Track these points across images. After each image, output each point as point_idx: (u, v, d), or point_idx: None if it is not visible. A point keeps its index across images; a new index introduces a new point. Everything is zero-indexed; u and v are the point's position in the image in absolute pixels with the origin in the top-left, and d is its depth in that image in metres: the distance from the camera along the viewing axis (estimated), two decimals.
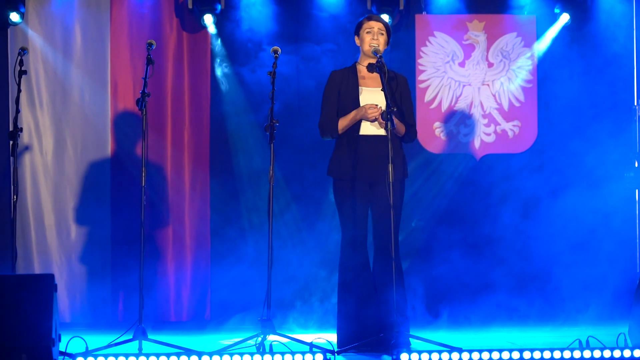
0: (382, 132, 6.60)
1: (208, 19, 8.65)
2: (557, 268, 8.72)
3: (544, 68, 8.95)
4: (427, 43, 8.92)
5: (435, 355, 5.73)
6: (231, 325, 8.43)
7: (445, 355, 5.74)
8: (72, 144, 8.66)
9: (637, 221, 8.80)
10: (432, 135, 8.85)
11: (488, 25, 8.93)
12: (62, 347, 5.86)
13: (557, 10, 8.86)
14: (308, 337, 6.64)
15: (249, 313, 8.46)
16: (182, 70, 8.75)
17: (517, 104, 8.94)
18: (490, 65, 8.94)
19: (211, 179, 8.75)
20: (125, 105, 8.67)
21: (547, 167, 8.84)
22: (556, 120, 8.91)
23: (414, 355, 5.74)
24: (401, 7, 8.71)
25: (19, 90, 7.02)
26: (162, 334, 6.82)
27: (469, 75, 8.93)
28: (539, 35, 8.94)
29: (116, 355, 5.76)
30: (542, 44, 8.94)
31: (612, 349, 5.83)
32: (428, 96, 8.89)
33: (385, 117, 6.37)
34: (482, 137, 8.91)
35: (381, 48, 6.71)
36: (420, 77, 8.89)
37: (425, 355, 5.74)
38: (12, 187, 7.08)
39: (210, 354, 5.76)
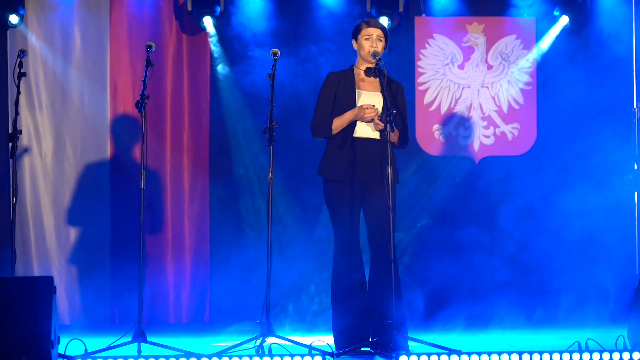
0: (376, 135, 6.59)
1: (207, 21, 8.65)
2: (556, 270, 8.73)
3: (544, 70, 8.95)
4: (427, 45, 8.93)
5: (433, 358, 5.73)
6: (230, 328, 8.43)
7: (443, 358, 5.74)
8: (72, 146, 8.66)
9: (637, 223, 8.80)
10: (432, 137, 8.86)
11: (487, 28, 8.93)
12: (61, 349, 5.86)
13: (556, 13, 8.87)
14: (307, 339, 6.64)
15: (248, 315, 8.45)
16: (182, 73, 8.75)
17: (516, 107, 8.95)
18: (489, 67, 8.94)
19: (210, 181, 8.75)
20: (124, 107, 8.67)
21: (546, 170, 8.85)
22: (555, 122, 8.92)
23: (413, 358, 5.74)
24: (400, 9, 8.71)
25: (19, 93, 7.02)
26: (162, 337, 6.82)
27: (469, 78, 8.94)
28: (538, 37, 8.94)
29: (115, 358, 5.76)
30: (542, 46, 8.94)
31: (611, 352, 5.83)
32: (427, 98, 8.89)
33: (385, 119, 6.37)
34: (482, 140, 8.91)
35: (380, 53, 6.70)
36: (420, 80, 8.89)
37: (423, 358, 5.74)
38: (11, 189, 7.09)
39: (210, 356, 5.76)
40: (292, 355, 5.77)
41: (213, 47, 8.75)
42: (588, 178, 8.59)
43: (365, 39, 6.74)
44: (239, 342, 6.39)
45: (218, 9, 8.62)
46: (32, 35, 8.62)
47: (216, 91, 8.78)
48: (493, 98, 8.93)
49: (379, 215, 6.59)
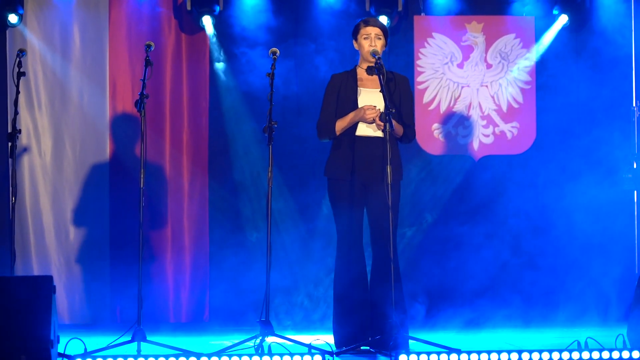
0: (378, 133, 6.60)
1: (206, 21, 8.65)
2: (555, 269, 8.73)
3: (543, 69, 8.95)
4: (426, 44, 8.93)
5: (433, 357, 5.73)
6: (230, 327, 8.43)
7: (443, 357, 5.74)
8: (71, 146, 8.66)
9: (636, 222, 8.80)
10: (431, 136, 8.86)
11: (487, 27, 8.93)
12: (60, 348, 5.86)
13: (555, 12, 8.86)
14: (307, 338, 6.64)
15: (248, 314, 8.46)
16: (181, 72, 8.75)
17: (515, 106, 8.95)
18: (488, 66, 8.94)
19: (210, 180, 8.75)
20: (123, 106, 8.67)
21: (546, 169, 8.84)
22: (555, 121, 8.91)
23: (413, 357, 5.74)
24: (400, 9, 8.71)
25: (18, 92, 7.02)
26: (161, 336, 6.82)
27: (468, 77, 8.94)
28: (537, 36, 8.94)
29: (115, 357, 5.76)
30: (541, 45, 8.94)
31: (610, 350, 5.83)
32: (426, 97, 8.89)
33: (384, 118, 6.38)
34: (481, 139, 8.91)
35: (379, 51, 6.71)
36: (419, 79, 8.89)
37: (423, 357, 5.74)
38: (10, 188, 7.08)
39: (209, 356, 5.76)
40: (291, 354, 5.77)
41: (212, 47, 8.75)
42: (587, 177, 8.58)
43: (364, 38, 6.76)
44: (238, 341, 6.39)
45: (217, 8, 8.61)
46: (31, 34, 8.61)
47: (215, 90, 8.78)
48: (492, 97, 8.93)
49: (380, 213, 6.59)
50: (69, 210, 8.62)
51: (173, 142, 8.71)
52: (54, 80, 8.66)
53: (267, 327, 6.31)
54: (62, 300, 8.49)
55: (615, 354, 5.80)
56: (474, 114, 8.92)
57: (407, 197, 8.65)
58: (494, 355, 5.77)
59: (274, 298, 8.40)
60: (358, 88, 6.76)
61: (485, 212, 8.77)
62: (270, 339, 6.30)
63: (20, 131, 7.15)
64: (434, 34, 8.92)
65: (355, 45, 6.85)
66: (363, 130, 6.69)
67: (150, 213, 8.51)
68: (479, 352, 5.78)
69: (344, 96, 6.76)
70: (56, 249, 8.60)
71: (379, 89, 6.48)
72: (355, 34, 6.84)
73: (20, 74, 7.03)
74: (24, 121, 8.57)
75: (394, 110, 6.43)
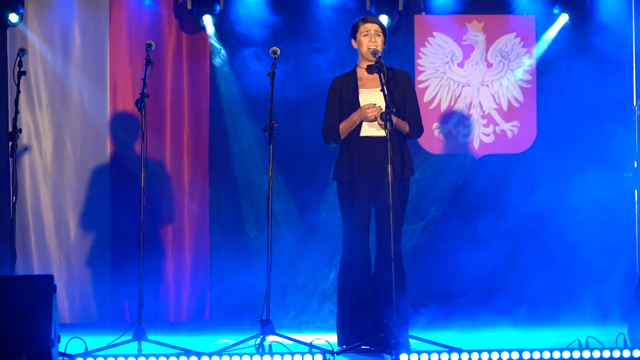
0: (382, 133, 6.58)
1: (207, 20, 8.64)
2: (556, 268, 8.73)
3: (543, 68, 8.95)
4: (426, 43, 8.93)
5: (434, 356, 5.74)
6: (231, 326, 8.43)
7: (444, 356, 5.75)
8: (72, 145, 8.66)
9: (637, 221, 8.80)
10: (431, 135, 8.85)
11: (487, 26, 8.93)
12: (61, 347, 5.86)
13: (556, 11, 8.86)
14: (307, 337, 6.64)
15: (249, 314, 8.46)
16: (181, 71, 8.75)
17: (516, 105, 8.95)
18: (489, 65, 8.94)
19: (210, 179, 8.75)
20: (124, 106, 8.67)
21: (546, 168, 8.84)
22: (555, 120, 8.91)
23: (414, 356, 5.74)
24: (400, 8, 8.71)
25: (18, 91, 7.02)
26: (162, 335, 6.82)
27: (468, 76, 8.94)
28: (538, 35, 8.94)
29: (115, 356, 5.77)
30: (542, 45, 8.94)
31: (611, 349, 5.83)
32: (427, 96, 8.89)
33: (385, 117, 6.37)
34: (481, 138, 8.91)
35: (379, 49, 6.71)
36: (420, 78, 8.89)
37: (424, 356, 5.75)
38: (11, 188, 7.08)
39: (210, 355, 5.77)
40: (292, 354, 5.77)
41: (213, 46, 8.75)
42: (588, 176, 8.58)
43: (364, 36, 6.76)
44: (239, 340, 6.40)
45: (218, 8, 8.61)
46: (31, 34, 8.61)
47: (216, 89, 8.78)
48: (493, 96, 8.93)
49: (385, 212, 6.59)
50: (69, 209, 8.62)
51: (173, 141, 8.71)
52: (55, 80, 8.66)
53: (268, 327, 6.31)
54: (63, 300, 8.49)
55: (616, 353, 5.81)
56: (475, 113, 8.92)
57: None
58: (494, 354, 5.77)
59: (274, 297, 8.40)
60: (359, 89, 6.77)
61: (486, 211, 8.76)
62: (270, 338, 6.30)
63: (20, 130, 7.15)
64: (434, 33, 8.92)
65: (354, 44, 6.85)
66: (367, 130, 6.70)
67: (150, 212, 8.51)
68: (479, 351, 5.78)
69: (345, 98, 6.77)
70: (57, 248, 8.60)
71: (379, 88, 6.48)
72: (354, 32, 6.83)
73: (21, 74, 7.03)
74: (25, 120, 8.57)
75: (394, 109, 6.43)
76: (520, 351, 5.78)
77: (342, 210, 6.80)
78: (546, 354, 5.79)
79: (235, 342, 6.42)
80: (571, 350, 5.81)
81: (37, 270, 8.52)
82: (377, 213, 6.74)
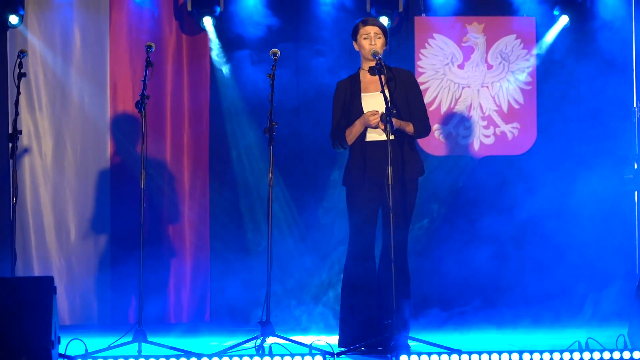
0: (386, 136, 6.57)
1: (207, 22, 8.65)
2: (556, 269, 8.73)
3: (544, 70, 8.95)
4: (427, 45, 8.93)
5: (434, 357, 5.73)
6: (231, 327, 8.42)
7: (444, 357, 5.74)
8: (72, 147, 8.66)
9: (637, 223, 8.80)
10: (432, 137, 8.85)
11: (487, 27, 8.93)
12: (61, 349, 5.86)
13: (556, 12, 8.87)
14: (307, 339, 6.64)
15: (249, 315, 8.46)
16: (181, 73, 8.75)
17: (516, 106, 8.95)
18: (489, 67, 8.94)
19: (210, 181, 8.76)
20: (124, 107, 8.67)
21: (546, 169, 8.84)
22: (555, 122, 8.91)
23: (414, 357, 5.74)
24: (400, 9, 8.72)
25: (19, 93, 7.02)
26: (162, 336, 6.81)
27: (468, 77, 8.94)
28: (538, 37, 8.94)
29: (116, 358, 5.76)
30: (542, 46, 8.94)
31: (611, 351, 5.83)
32: (427, 98, 8.88)
33: (385, 119, 6.37)
34: (482, 139, 8.91)
35: (379, 51, 6.70)
36: (420, 79, 8.89)
37: (424, 357, 5.74)
38: (11, 189, 7.08)
39: (210, 356, 5.76)
40: (292, 355, 5.77)
41: (213, 48, 8.75)
42: (588, 177, 8.58)
43: (364, 38, 6.77)
44: (239, 341, 6.39)
45: (218, 9, 8.62)
46: (32, 35, 8.61)
47: (216, 91, 8.78)
48: (493, 98, 8.93)
49: (393, 214, 6.58)
50: (69, 210, 8.62)
51: (174, 143, 8.72)
52: (55, 81, 8.66)
53: (268, 328, 6.31)
54: (63, 301, 8.49)
55: (616, 355, 5.80)
56: (475, 115, 8.92)
57: None
58: (494, 356, 5.77)
59: (274, 299, 8.39)
60: (361, 94, 6.77)
61: (486, 213, 8.76)
62: (270, 340, 6.30)
63: (21, 132, 7.15)
64: (434, 34, 8.92)
65: (356, 47, 6.86)
66: (371, 135, 6.71)
67: (151, 214, 8.51)
68: (479, 353, 5.78)
69: (349, 103, 6.78)
70: (57, 249, 8.60)
71: (381, 91, 6.47)
72: (354, 34, 6.84)
73: (21, 75, 7.03)
74: (25, 122, 8.57)
75: (394, 111, 6.43)
76: (520, 353, 5.78)
77: (349, 213, 6.80)
78: (546, 356, 5.79)
79: (235, 343, 6.42)
80: (571, 351, 5.81)
81: (37, 272, 8.52)
82: (384, 215, 6.74)
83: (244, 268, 8.56)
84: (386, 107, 6.36)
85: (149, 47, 6.73)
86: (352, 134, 6.73)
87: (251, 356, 5.76)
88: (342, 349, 6.54)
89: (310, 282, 8.67)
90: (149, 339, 6.32)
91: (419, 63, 8.92)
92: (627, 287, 8.40)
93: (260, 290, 8.26)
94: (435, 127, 8.86)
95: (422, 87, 8.82)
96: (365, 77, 6.82)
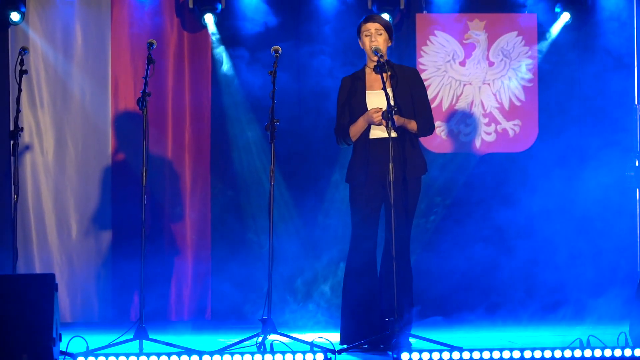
0: (392, 133, 6.57)
1: (209, 19, 8.64)
2: (557, 267, 8.72)
3: (545, 67, 8.94)
4: (428, 42, 8.92)
5: (436, 355, 5.73)
6: (232, 325, 8.43)
7: (446, 355, 5.74)
8: (73, 144, 8.66)
9: (638, 220, 8.79)
10: (433, 134, 8.80)
11: (489, 25, 8.93)
12: (62, 346, 5.86)
13: (557, 9, 8.86)
14: (309, 336, 6.63)
15: (250, 312, 8.46)
16: (183, 70, 8.75)
17: (517, 103, 8.94)
18: (491, 64, 8.94)
19: (212, 178, 8.75)
20: (126, 104, 8.67)
21: (548, 166, 8.83)
22: (557, 119, 8.91)
23: (415, 355, 5.74)
24: (402, 7, 8.71)
25: (20, 90, 7.02)
26: (163, 334, 6.82)
27: (470, 75, 8.93)
28: (539, 34, 8.93)
29: (117, 355, 5.76)
30: (543, 43, 8.93)
31: (612, 348, 5.83)
32: (429, 95, 8.84)
33: (386, 116, 6.37)
34: (483, 136, 8.91)
35: (382, 47, 6.69)
36: (421, 76, 8.87)
37: (426, 355, 5.74)
38: (12, 186, 7.08)
39: (211, 354, 5.76)
40: (293, 353, 5.77)
41: (214, 45, 8.74)
42: (589, 175, 8.57)
43: (366, 35, 6.77)
44: (240, 339, 6.39)
45: (219, 6, 8.61)
46: (33, 32, 8.61)
47: (217, 88, 8.77)
48: (494, 95, 8.93)
49: (395, 212, 6.58)
50: (71, 208, 8.62)
51: (175, 140, 8.71)
52: (56, 78, 8.66)
53: (269, 325, 6.31)
54: (64, 298, 8.49)
55: (618, 352, 5.80)
56: (476, 112, 8.92)
57: None
58: (496, 353, 5.77)
59: (276, 296, 8.39)
60: (366, 91, 6.77)
61: (488, 210, 8.76)
62: (272, 337, 6.30)
63: (22, 129, 7.14)
64: (436, 31, 8.91)
65: (361, 44, 6.85)
66: (374, 133, 6.70)
67: (152, 211, 8.51)
68: (480, 350, 5.78)
69: (353, 100, 6.78)
70: (58, 247, 8.60)
71: (387, 88, 6.47)
72: (358, 32, 6.84)
73: (23, 72, 7.03)
74: (26, 119, 8.57)
75: (396, 109, 6.42)
76: (522, 350, 5.78)
77: (351, 211, 6.80)
78: (548, 353, 5.79)
79: (236, 340, 6.42)
80: (573, 349, 5.81)
81: (38, 269, 8.52)
82: (387, 213, 6.74)
83: (245, 265, 8.56)
84: (388, 105, 6.35)
85: (151, 44, 6.73)
86: (355, 131, 6.73)
87: (252, 354, 5.76)
88: (344, 346, 6.54)
89: (311, 279, 8.67)
90: (150, 336, 6.32)
91: (420, 60, 8.91)
92: (629, 284, 8.40)
93: (261, 288, 8.27)
94: (436, 124, 8.84)
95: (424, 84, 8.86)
96: (370, 74, 6.81)
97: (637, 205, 8.79)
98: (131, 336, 6.31)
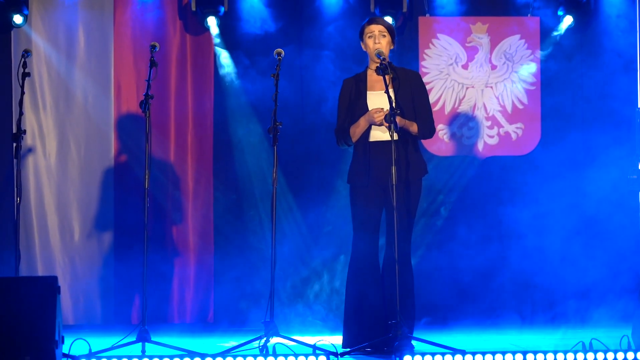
0: (389, 136, 6.56)
1: (211, 21, 8.65)
2: (560, 270, 8.72)
3: (548, 70, 8.94)
4: (431, 45, 8.93)
5: (438, 358, 5.73)
6: (234, 327, 8.43)
7: (448, 358, 5.74)
8: (76, 146, 8.66)
9: None
10: (436, 137, 8.84)
11: (491, 28, 8.93)
12: (65, 349, 5.86)
13: (560, 13, 8.86)
14: (311, 339, 6.64)
15: (252, 315, 8.46)
16: (185, 73, 8.76)
17: (520, 107, 8.94)
18: (493, 67, 8.94)
19: (214, 181, 8.76)
20: (128, 107, 8.67)
21: (550, 170, 8.83)
22: (559, 122, 8.91)
23: (417, 358, 5.74)
24: (404, 10, 8.71)
25: (23, 93, 7.03)
26: (166, 336, 6.82)
27: (473, 78, 8.93)
28: (542, 37, 8.94)
29: (119, 357, 5.77)
30: (546, 46, 8.93)
31: (615, 352, 5.83)
32: (431, 98, 8.87)
33: (388, 119, 6.37)
34: (486, 140, 8.91)
35: (385, 49, 6.70)
36: (424, 80, 8.82)
37: (428, 358, 5.74)
38: (15, 189, 7.09)
39: (214, 356, 5.77)
40: (296, 355, 5.77)
41: (217, 47, 8.75)
42: (592, 178, 8.58)
43: (369, 38, 6.77)
44: (243, 342, 6.39)
45: (222, 9, 8.61)
46: (36, 35, 8.62)
47: (220, 91, 8.78)
48: (497, 98, 8.93)
49: (392, 214, 6.58)
50: (73, 210, 8.62)
51: (178, 143, 8.72)
52: (59, 81, 8.66)
53: (272, 328, 6.31)
54: (67, 301, 8.50)
55: (620, 355, 5.80)
56: (479, 115, 8.92)
57: None
58: (498, 356, 5.77)
59: (278, 299, 8.40)
60: (367, 92, 6.77)
61: (490, 213, 8.76)
62: (274, 340, 6.30)
63: (25, 132, 7.15)
64: (438, 35, 8.92)
65: (363, 47, 6.86)
66: (375, 135, 6.70)
67: (154, 213, 8.51)
68: (483, 353, 5.77)
69: (354, 101, 6.78)
70: (61, 249, 8.60)
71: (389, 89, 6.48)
72: (361, 34, 6.85)
73: (25, 75, 7.04)
74: (29, 122, 8.58)
75: (398, 111, 6.43)
76: (524, 353, 5.78)
77: (352, 213, 6.80)
78: (550, 356, 5.78)
79: (239, 343, 6.42)
80: (575, 352, 5.81)
81: (41, 272, 8.52)
82: (388, 215, 6.74)
83: (248, 268, 8.56)
84: (390, 107, 6.35)
85: (153, 47, 6.74)
86: (356, 132, 6.73)
87: (255, 356, 5.76)
88: (346, 349, 6.54)
89: (314, 282, 8.67)
90: (153, 338, 6.32)
91: (423, 63, 8.92)
92: (631, 288, 8.39)
93: (263, 290, 8.26)
94: (439, 127, 8.85)
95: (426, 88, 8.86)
96: (372, 75, 6.82)
97: (639, 208, 8.78)
98: (134, 339, 6.31)
